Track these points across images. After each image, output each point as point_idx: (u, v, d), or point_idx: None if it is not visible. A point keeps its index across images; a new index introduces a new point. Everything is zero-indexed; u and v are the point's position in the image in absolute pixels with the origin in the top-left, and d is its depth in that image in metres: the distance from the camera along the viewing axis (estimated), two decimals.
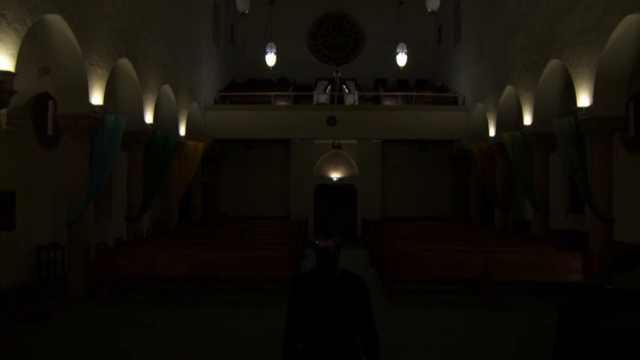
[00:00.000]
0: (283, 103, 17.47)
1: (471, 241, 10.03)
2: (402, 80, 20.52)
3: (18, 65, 6.31)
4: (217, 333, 6.34)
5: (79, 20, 7.77)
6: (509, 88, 12.42)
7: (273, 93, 17.31)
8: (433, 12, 14.26)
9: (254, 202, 19.09)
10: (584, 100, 8.61)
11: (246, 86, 19.65)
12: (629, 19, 7.39)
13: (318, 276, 2.98)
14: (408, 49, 16.61)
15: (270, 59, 16.59)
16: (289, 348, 2.95)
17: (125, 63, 9.73)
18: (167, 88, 12.17)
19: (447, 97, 17.45)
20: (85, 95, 8.22)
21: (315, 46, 21.89)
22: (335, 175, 19.18)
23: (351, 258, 13.00)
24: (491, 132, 13.71)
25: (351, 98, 19.55)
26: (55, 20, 7.27)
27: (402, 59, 16.46)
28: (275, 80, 20.50)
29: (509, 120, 13.08)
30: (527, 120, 11.29)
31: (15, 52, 6.20)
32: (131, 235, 10.43)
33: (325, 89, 19.70)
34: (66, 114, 8.23)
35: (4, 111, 8.39)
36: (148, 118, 10.91)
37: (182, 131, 13.35)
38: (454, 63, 18.15)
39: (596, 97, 8.30)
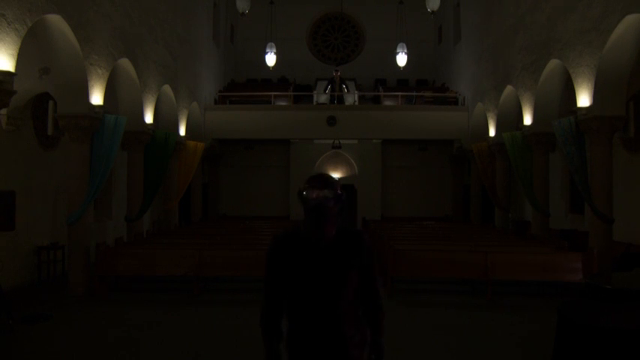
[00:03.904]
0: (283, 103, 17.48)
1: (471, 241, 10.03)
2: (402, 80, 20.53)
3: (18, 65, 6.31)
4: (217, 333, 6.34)
5: (79, 20, 7.77)
6: (509, 88, 12.42)
7: (273, 93, 17.31)
8: (433, 12, 14.28)
9: (254, 202, 19.09)
10: (584, 100, 8.61)
11: (246, 86, 19.65)
12: (629, 19, 7.38)
13: (308, 237, 2.30)
14: (408, 49, 16.63)
15: (270, 59, 16.60)
16: (269, 327, 2.40)
17: (125, 63, 9.73)
18: (167, 88, 12.17)
19: (447, 97, 17.44)
20: (85, 95, 8.22)
21: (315, 46, 21.90)
22: (335, 175, 19.20)
23: None
24: (491, 132, 13.71)
25: (351, 98, 19.56)
26: (55, 20, 7.27)
27: (402, 59, 16.48)
28: (275, 80, 20.51)
29: (509, 120, 13.08)
30: (527, 120, 11.29)
31: (15, 52, 6.20)
32: (131, 235, 10.43)
33: (325, 89, 19.73)
34: (66, 114, 8.23)
35: (4, 111, 8.40)
36: (148, 118, 10.91)
37: (182, 131, 13.35)
38: (454, 63, 18.15)
39: (596, 97, 8.30)
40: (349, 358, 2.32)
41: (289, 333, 2.39)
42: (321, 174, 2.41)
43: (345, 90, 19.44)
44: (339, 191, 2.26)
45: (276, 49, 16.81)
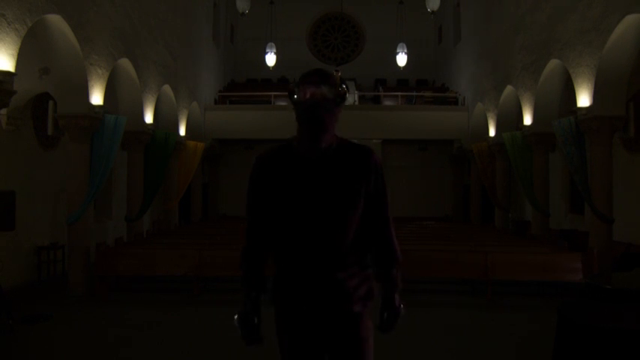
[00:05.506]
0: (283, 103, 17.48)
1: (470, 241, 10.02)
2: (402, 80, 20.53)
3: (18, 65, 6.30)
4: (217, 333, 6.34)
5: (79, 20, 7.77)
6: (509, 88, 12.42)
7: (273, 93, 17.30)
8: (433, 12, 14.29)
9: None
10: (584, 100, 8.61)
11: (246, 86, 19.65)
12: (629, 19, 7.39)
13: (300, 151, 1.78)
14: (408, 49, 16.64)
15: (270, 59, 16.60)
16: (250, 269, 1.87)
17: (125, 63, 9.73)
18: (167, 88, 12.16)
19: (447, 97, 17.45)
20: (85, 95, 8.22)
21: (315, 46, 21.89)
22: None
23: None
24: (491, 132, 13.70)
25: (351, 98, 19.55)
26: (55, 20, 7.26)
27: (402, 59, 16.48)
28: (275, 80, 20.50)
29: (509, 120, 13.08)
30: (527, 120, 11.29)
31: (15, 52, 6.20)
32: (131, 235, 10.43)
33: None
34: (66, 114, 8.23)
35: (4, 111, 8.39)
36: (148, 118, 10.91)
37: (182, 131, 13.35)
38: (454, 63, 18.15)
39: (596, 97, 8.30)
40: (351, 314, 1.81)
41: (276, 280, 1.87)
42: (318, 68, 1.89)
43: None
44: (340, 88, 1.76)
45: (276, 49, 16.81)
